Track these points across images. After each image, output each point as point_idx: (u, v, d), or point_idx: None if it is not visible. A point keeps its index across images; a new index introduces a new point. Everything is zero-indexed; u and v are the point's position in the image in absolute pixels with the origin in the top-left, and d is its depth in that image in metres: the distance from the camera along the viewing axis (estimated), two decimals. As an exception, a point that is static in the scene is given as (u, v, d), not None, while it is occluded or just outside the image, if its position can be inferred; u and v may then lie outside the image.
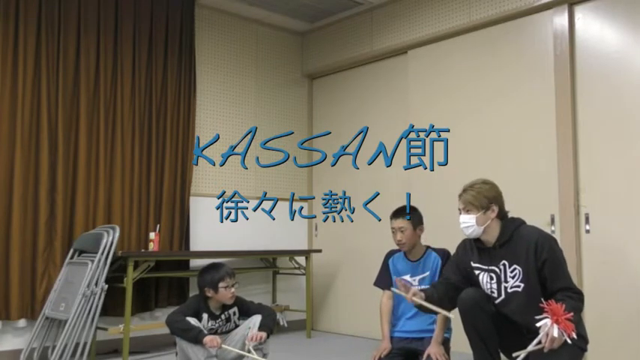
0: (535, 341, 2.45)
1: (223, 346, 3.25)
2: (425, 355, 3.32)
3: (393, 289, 2.88)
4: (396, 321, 3.58)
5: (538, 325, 2.45)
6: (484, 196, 2.85)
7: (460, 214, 2.89)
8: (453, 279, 2.96)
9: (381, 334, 3.57)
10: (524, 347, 2.80)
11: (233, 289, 3.38)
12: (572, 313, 2.42)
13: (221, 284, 3.35)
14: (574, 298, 2.63)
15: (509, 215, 2.92)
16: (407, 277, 3.55)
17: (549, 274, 2.71)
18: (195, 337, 3.21)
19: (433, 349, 3.31)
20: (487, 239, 2.87)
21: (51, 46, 4.25)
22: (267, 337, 3.32)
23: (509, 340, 2.87)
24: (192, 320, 3.30)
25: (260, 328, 3.32)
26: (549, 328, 2.40)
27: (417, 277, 3.50)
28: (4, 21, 4.09)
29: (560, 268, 2.73)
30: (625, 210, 3.71)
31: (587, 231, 3.86)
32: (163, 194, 4.73)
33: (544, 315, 2.44)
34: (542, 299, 2.74)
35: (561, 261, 2.75)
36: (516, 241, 2.81)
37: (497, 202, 2.87)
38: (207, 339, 3.20)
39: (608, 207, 3.79)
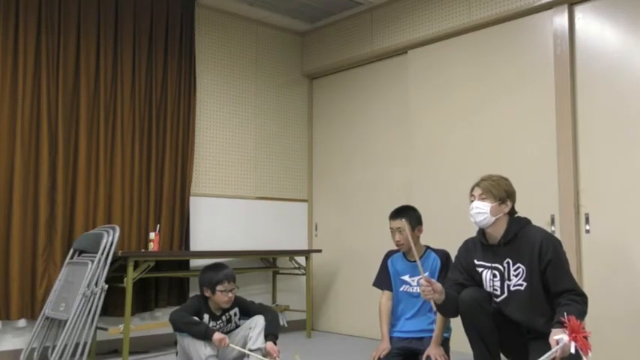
0: (548, 354, 2.44)
1: (231, 345, 3.26)
2: (424, 356, 3.32)
3: (422, 279, 2.82)
4: (396, 321, 3.58)
5: (556, 337, 2.44)
6: (503, 189, 2.87)
7: (473, 201, 2.88)
8: (460, 279, 2.96)
9: (381, 334, 3.57)
10: (524, 347, 2.81)
11: (230, 294, 3.36)
12: (590, 332, 2.42)
13: (219, 287, 3.34)
14: (578, 302, 2.63)
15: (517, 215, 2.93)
16: (406, 278, 3.55)
17: (552, 276, 2.71)
18: (205, 332, 3.22)
19: (433, 351, 3.31)
20: (493, 234, 2.87)
21: (51, 46, 4.25)
22: (275, 343, 3.35)
23: (509, 339, 2.88)
24: (196, 319, 3.31)
25: (269, 338, 3.33)
26: (566, 345, 2.39)
27: (416, 278, 3.49)
28: (4, 21, 4.09)
29: (564, 270, 2.73)
30: (625, 210, 3.71)
31: (587, 231, 3.86)
32: (163, 194, 4.73)
33: (562, 329, 2.44)
34: (545, 300, 2.74)
35: (565, 263, 2.76)
36: (521, 240, 2.81)
37: (512, 200, 2.89)
38: (217, 337, 3.21)
39: (608, 207, 3.79)
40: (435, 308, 2.96)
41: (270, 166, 5.54)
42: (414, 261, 3.48)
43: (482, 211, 2.84)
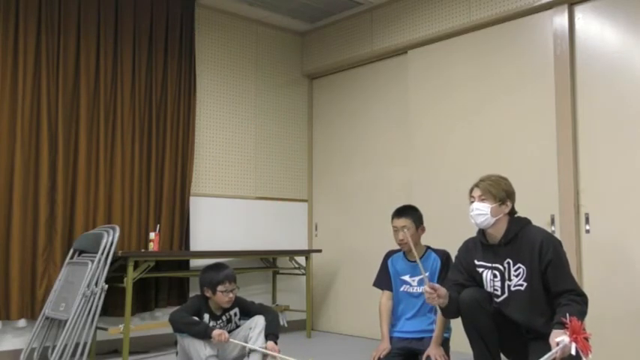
0: (548, 355, 2.44)
1: (231, 340, 3.26)
2: (424, 356, 3.32)
3: (425, 286, 2.85)
4: (396, 321, 3.58)
5: (557, 339, 2.44)
6: (503, 189, 2.86)
7: (473, 202, 2.87)
8: (460, 279, 2.96)
9: (381, 334, 3.57)
10: (524, 347, 2.81)
11: (231, 295, 3.37)
12: (590, 333, 2.42)
13: (220, 287, 3.34)
14: (579, 302, 2.63)
15: (517, 215, 2.93)
16: (406, 278, 3.55)
17: (552, 276, 2.71)
18: (205, 331, 3.23)
19: (433, 351, 3.31)
20: (494, 234, 2.87)
21: (51, 46, 4.25)
22: (276, 342, 3.35)
23: (509, 339, 2.88)
24: (195, 319, 3.32)
25: (269, 338, 3.33)
26: (567, 346, 2.39)
27: (416, 278, 3.50)
28: (4, 21, 4.09)
29: (564, 270, 2.73)
30: (625, 210, 3.71)
31: (587, 231, 3.86)
32: (163, 194, 4.73)
33: (563, 330, 2.44)
34: (545, 300, 2.75)
35: (565, 263, 2.75)
36: (521, 240, 2.81)
37: (512, 199, 2.88)
38: (216, 332, 3.22)
39: (608, 207, 3.79)
40: (439, 312, 2.96)
41: (270, 166, 5.54)
42: (415, 261, 3.49)
43: (482, 212, 2.83)
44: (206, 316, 3.38)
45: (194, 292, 4.48)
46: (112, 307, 4.29)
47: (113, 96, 4.55)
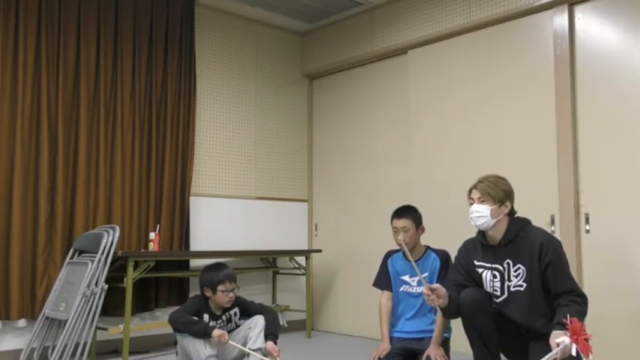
0: (549, 355, 2.44)
1: (230, 342, 3.26)
2: (424, 357, 3.32)
3: (423, 287, 2.84)
4: (396, 321, 3.58)
5: (557, 340, 2.44)
6: (501, 189, 2.86)
7: (472, 204, 2.87)
8: (460, 280, 2.96)
9: (381, 334, 3.57)
10: (524, 347, 2.81)
11: (231, 294, 3.37)
12: (591, 334, 2.42)
13: (220, 287, 3.35)
14: (579, 302, 2.63)
15: (516, 215, 2.92)
16: (406, 278, 3.55)
17: (552, 277, 2.71)
18: (204, 330, 3.23)
19: (433, 351, 3.31)
20: (494, 235, 2.86)
21: (51, 46, 4.25)
22: (275, 342, 3.35)
23: (509, 340, 2.88)
24: (195, 319, 3.32)
25: (269, 338, 3.33)
26: (567, 347, 2.39)
27: (416, 278, 3.50)
28: (4, 21, 4.09)
29: (564, 270, 2.73)
30: (625, 210, 3.71)
31: (587, 231, 3.86)
32: (163, 194, 4.73)
33: (563, 331, 2.44)
34: (545, 300, 2.75)
35: (565, 264, 2.75)
36: (521, 241, 2.80)
37: (511, 200, 2.88)
38: (216, 333, 3.22)
39: (608, 207, 3.79)
40: (440, 312, 2.95)
41: (270, 166, 5.54)
42: (415, 261, 3.49)
43: (482, 214, 2.83)
44: (206, 316, 3.38)
45: (194, 292, 4.48)
46: (112, 307, 4.30)
47: (113, 96, 4.55)
